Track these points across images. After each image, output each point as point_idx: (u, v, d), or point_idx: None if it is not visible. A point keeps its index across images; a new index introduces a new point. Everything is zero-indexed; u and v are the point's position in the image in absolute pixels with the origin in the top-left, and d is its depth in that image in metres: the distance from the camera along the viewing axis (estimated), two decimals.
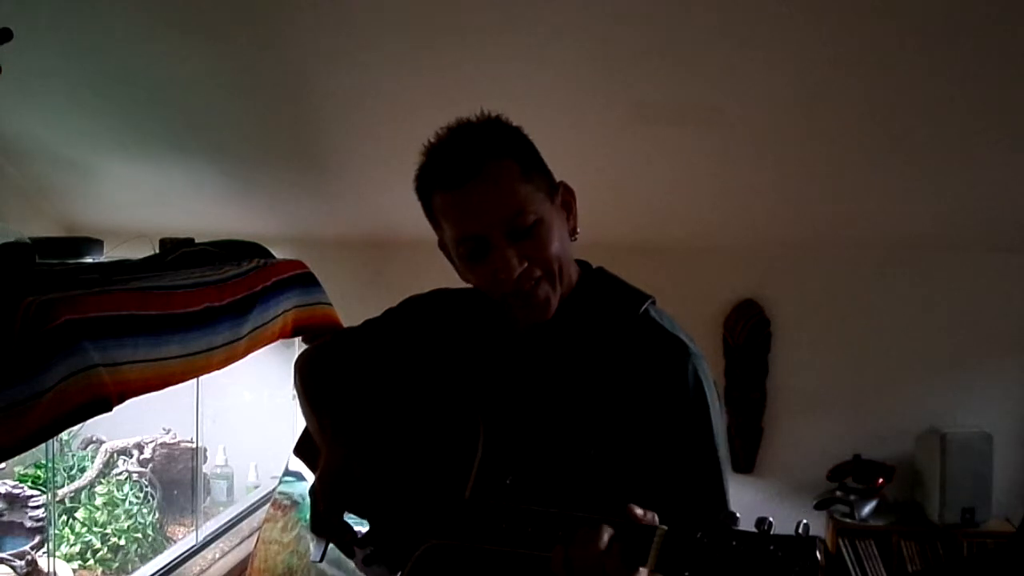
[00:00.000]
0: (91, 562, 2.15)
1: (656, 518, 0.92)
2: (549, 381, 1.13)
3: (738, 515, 0.86)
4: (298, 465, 1.45)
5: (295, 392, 1.39)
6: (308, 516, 1.42)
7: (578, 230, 1.16)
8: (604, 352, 1.12)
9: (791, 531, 0.83)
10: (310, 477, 1.43)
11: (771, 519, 0.84)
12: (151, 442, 2.49)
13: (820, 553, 0.81)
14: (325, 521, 1.19)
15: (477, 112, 1.12)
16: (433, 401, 1.22)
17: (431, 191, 1.11)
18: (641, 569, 0.88)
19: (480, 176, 1.06)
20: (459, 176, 1.07)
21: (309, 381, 1.36)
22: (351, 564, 1.27)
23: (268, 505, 1.79)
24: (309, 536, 1.35)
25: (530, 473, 1.07)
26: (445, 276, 1.27)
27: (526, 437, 1.11)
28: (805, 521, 0.84)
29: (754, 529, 0.84)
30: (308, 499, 1.43)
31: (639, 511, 0.92)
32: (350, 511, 1.18)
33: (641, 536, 0.88)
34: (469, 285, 1.20)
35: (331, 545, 1.24)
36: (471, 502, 1.08)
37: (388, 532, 1.17)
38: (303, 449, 1.44)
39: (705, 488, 1.07)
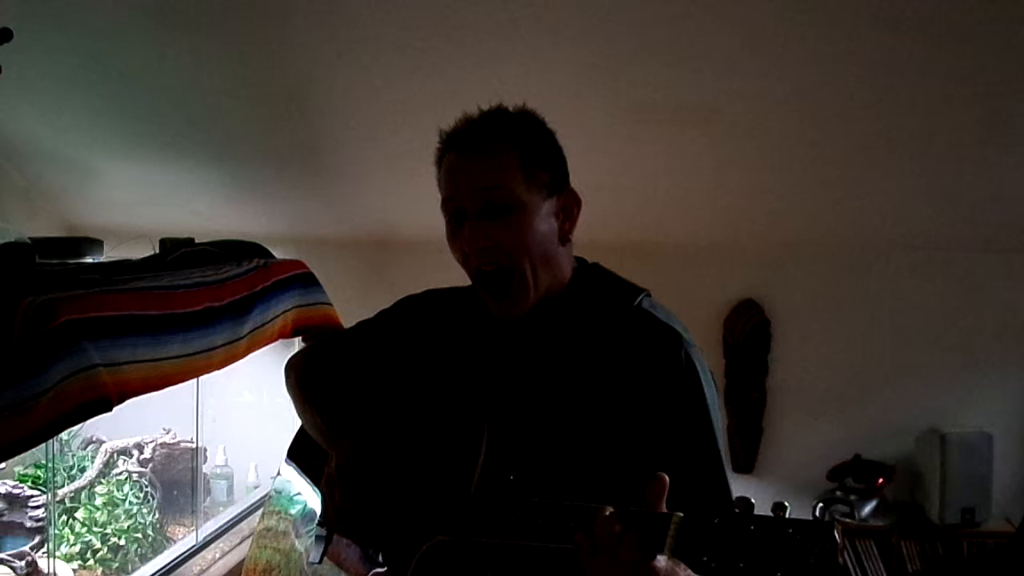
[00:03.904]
0: (91, 562, 2.15)
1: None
2: (547, 376, 1.14)
3: (753, 500, 0.86)
4: (288, 470, 1.44)
5: (288, 393, 1.39)
6: (295, 511, 1.42)
7: (571, 238, 1.17)
8: (600, 345, 1.13)
9: None
10: (296, 480, 1.43)
11: (787, 503, 0.84)
12: (151, 442, 2.49)
13: (838, 535, 0.80)
14: (343, 512, 1.19)
15: (525, 103, 1.17)
16: (433, 400, 1.22)
17: (443, 150, 1.16)
18: (659, 556, 0.88)
19: (477, 150, 1.12)
20: (463, 143, 1.13)
21: (305, 381, 1.36)
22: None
23: (262, 508, 1.79)
24: (304, 530, 1.35)
25: (533, 468, 1.08)
26: (446, 276, 1.27)
27: (528, 433, 1.11)
28: (820, 503, 0.84)
29: (771, 514, 0.84)
30: (289, 492, 1.42)
31: (665, 482, 0.92)
32: (364, 502, 1.18)
33: (657, 523, 0.88)
34: (464, 285, 1.21)
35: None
36: (477, 497, 1.08)
37: (392, 530, 1.17)
38: (296, 453, 1.44)
39: (703, 467, 1.08)
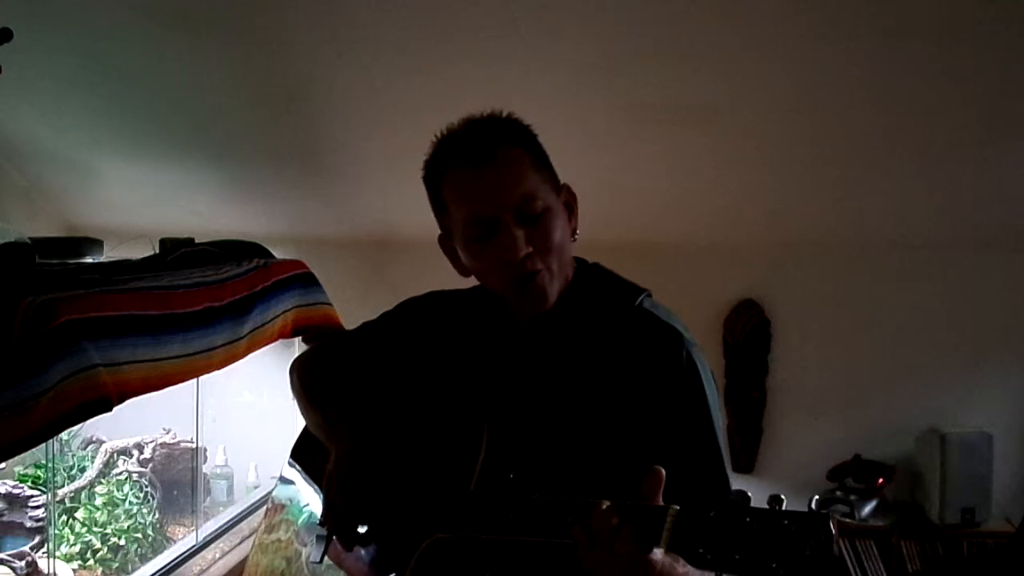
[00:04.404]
0: (91, 562, 2.15)
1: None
2: (548, 376, 1.14)
3: (749, 494, 0.86)
4: (292, 471, 1.45)
5: (292, 393, 1.39)
6: (301, 520, 1.42)
7: (577, 232, 1.17)
8: (601, 345, 1.13)
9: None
10: (301, 484, 1.43)
11: (783, 496, 0.84)
12: (151, 442, 2.49)
13: (834, 526, 0.80)
14: (336, 507, 1.19)
15: (489, 110, 1.14)
16: (434, 400, 1.22)
17: (443, 171, 1.12)
18: (655, 549, 0.88)
19: (494, 159, 1.08)
20: (474, 157, 1.09)
21: (308, 381, 1.36)
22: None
23: (264, 509, 1.78)
24: (309, 538, 1.35)
25: (533, 467, 1.08)
26: (446, 276, 1.27)
27: (528, 432, 1.11)
28: (817, 496, 0.84)
29: (766, 506, 0.85)
30: (299, 503, 1.43)
31: (663, 472, 0.92)
32: (361, 499, 1.18)
33: (653, 516, 0.88)
34: (465, 286, 1.20)
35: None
36: (476, 495, 1.09)
37: (391, 528, 1.17)
38: (300, 453, 1.44)
39: (704, 464, 1.08)
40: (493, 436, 1.12)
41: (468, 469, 1.11)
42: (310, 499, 1.39)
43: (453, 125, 1.14)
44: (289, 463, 1.45)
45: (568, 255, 1.15)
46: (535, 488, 1.04)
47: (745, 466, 3.24)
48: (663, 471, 0.92)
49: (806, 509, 0.83)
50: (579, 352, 1.13)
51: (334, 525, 1.20)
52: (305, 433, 1.42)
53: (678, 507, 0.88)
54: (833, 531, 0.80)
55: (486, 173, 1.08)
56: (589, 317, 1.15)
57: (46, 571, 1.98)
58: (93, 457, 2.39)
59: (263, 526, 1.49)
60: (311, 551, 1.27)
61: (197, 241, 2.05)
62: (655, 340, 1.12)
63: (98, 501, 2.27)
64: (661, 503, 0.91)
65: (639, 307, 1.15)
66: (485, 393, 1.17)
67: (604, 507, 0.92)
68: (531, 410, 1.13)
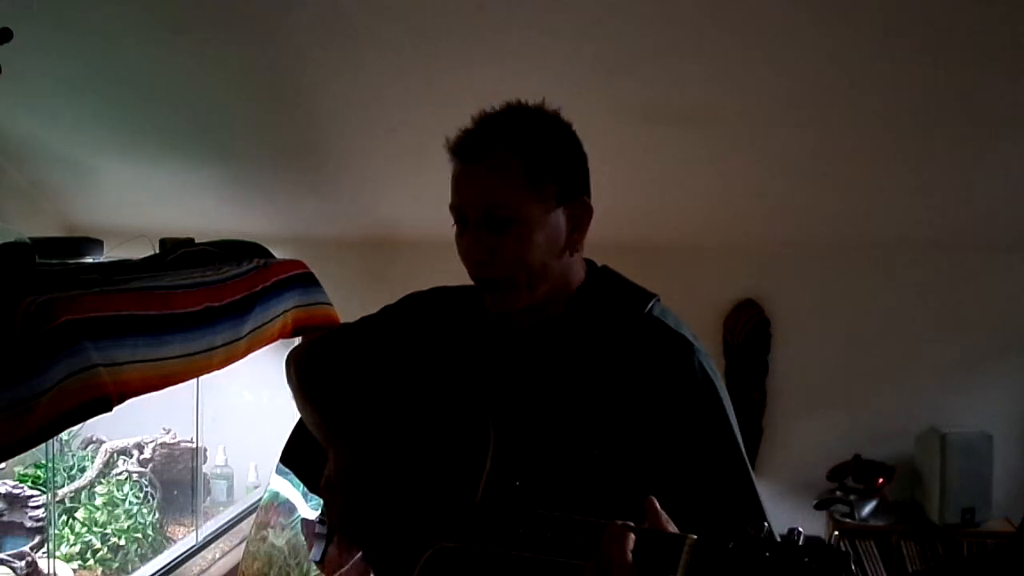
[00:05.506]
0: (91, 562, 2.15)
1: (670, 521, 0.90)
2: (555, 381, 1.13)
3: (767, 523, 0.84)
4: (279, 482, 1.44)
5: (288, 386, 1.38)
6: (295, 516, 1.42)
7: (579, 249, 1.15)
8: (610, 351, 1.11)
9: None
10: (295, 480, 1.42)
11: (800, 528, 0.82)
12: (151, 442, 2.49)
13: (854, 566, 0.79)
14: (348, 516, 1.18)
15: (538, 101, 1.15)
16: (438, 401, 1.21)
17: (451, 155, 1.14)
18: None
19: (481, 162, 1.09)
20: (466, 153, 1.11)
21: (305, 375, 1.35)
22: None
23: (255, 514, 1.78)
24: (307, 534, 1.35)
25: (540, 475, 1.06)
26: (444, 276, 1.27)
27: (535, 438, 1.10)
28: (837, 532, 0.82)
29: (783, 539, 0.82)
30: (287, 498, 1.42)
31: (657, 504, 0.90)
32: (365, 506, 1.17)
33: (670, 545, 0.86)
34: (467, 285, 1.20)
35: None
36: (483, 506, 1.06)
37: (395, 535, 1.16)
38: (292, 453, 1.43)
39: (732, 484, 1.06)
40: (499, 442, 1.10)
41: (474, 476, 1.09)
42: (305, 495, 1.38)
43: (499, 105, 1.14)
44: (277, 470, 1.44)
45: (547, 270, 1.10)
46: (541, 496, 1.02)
47: None
48: (655, 501, 0.91)
49: (810, 511, 0.81)
50: (587, 359, 1.12)
51: (341, 530, 1.19)
52: (299, 427, 1.41)
53: (696, 536, 0.85)
54: (854, 571, 0.78)
55: (469, 172, 1.10)
56: (597, 323, 1.13)
57: (46, 571, 1.98)
58: (93, 457, 2.39)
59: (257, 521, 1.50)
60: (313, 550, 1.27)
61: (197, 241, 2.05)
62: (665, 349, 1.10)
63: (98, 501, 2.27)
64: (675, 530, 0.88)
65: (648, 314, 1.13)
66: (491, 397, 1.15)
67: (618, 531, 0.89)
68: (538, 416, 1.11)
